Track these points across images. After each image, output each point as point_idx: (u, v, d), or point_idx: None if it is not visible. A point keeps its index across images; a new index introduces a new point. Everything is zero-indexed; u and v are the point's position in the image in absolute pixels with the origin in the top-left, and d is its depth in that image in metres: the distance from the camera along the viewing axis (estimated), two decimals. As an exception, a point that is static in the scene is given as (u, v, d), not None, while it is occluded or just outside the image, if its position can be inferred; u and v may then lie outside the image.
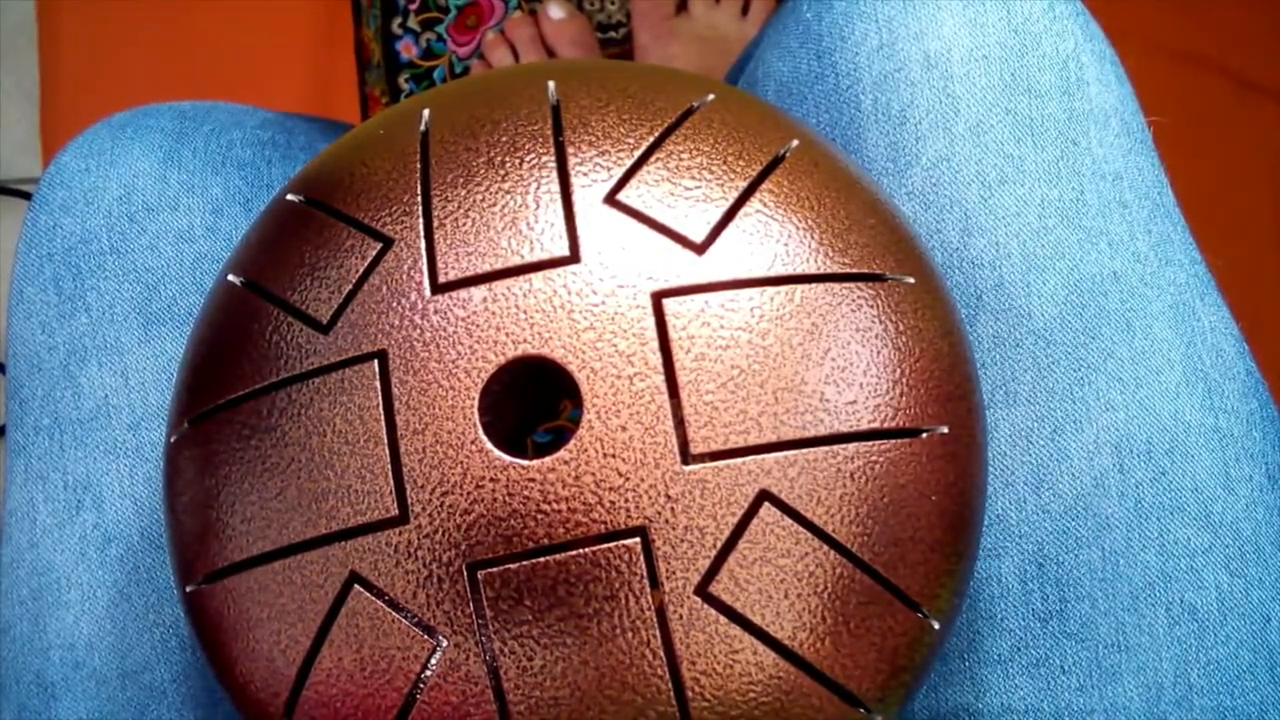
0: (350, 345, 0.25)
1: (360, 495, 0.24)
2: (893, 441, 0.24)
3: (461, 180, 0.26)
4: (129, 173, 0.36)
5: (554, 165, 0.25)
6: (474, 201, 0.25)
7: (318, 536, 0.24)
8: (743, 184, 0.25)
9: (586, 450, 0.23)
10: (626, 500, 0.23)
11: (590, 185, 0.25)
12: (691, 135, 0.26)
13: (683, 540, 0.23)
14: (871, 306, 0.25)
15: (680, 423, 0.23)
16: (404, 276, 0.25)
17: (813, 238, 0.25)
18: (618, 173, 0.25)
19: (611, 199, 0.25)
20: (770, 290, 0.24)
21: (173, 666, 0.33)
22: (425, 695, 0.23)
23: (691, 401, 0.23)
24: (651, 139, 0.26)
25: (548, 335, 0.24)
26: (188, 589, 0.26)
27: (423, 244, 0.25)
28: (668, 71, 0.29)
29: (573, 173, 0.25)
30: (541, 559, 0.23)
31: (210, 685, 0.33)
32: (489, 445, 0.24)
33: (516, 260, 0.25)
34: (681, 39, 0.69)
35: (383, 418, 0.24)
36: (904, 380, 0.24)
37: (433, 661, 0.23)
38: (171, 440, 0.27)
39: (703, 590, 0.23)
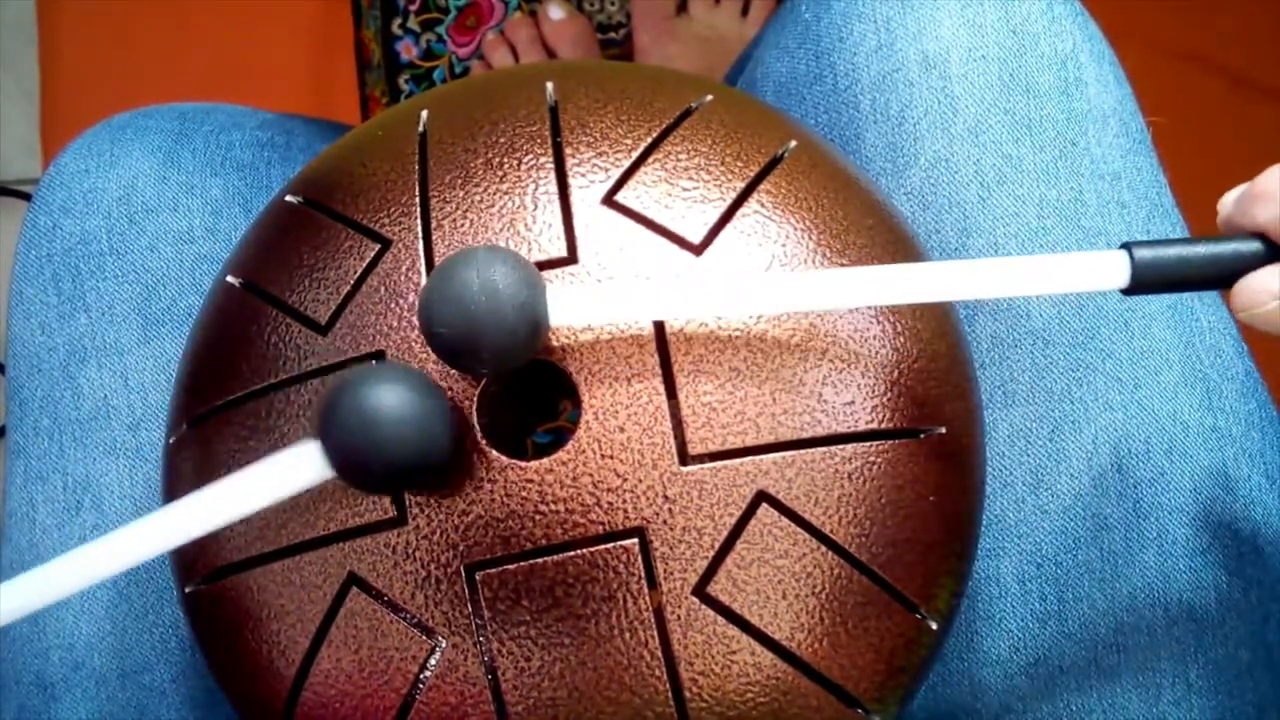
0: (349, 346, 0.25)
1: (358, 496, 0.24)
2: (891, 442, 0.24)
3: (460, 181, 0.26)
4: (129, 174, 0.36)
5: (552, 166, 0.25)
6: (472, 203, 0.25)
7: (316, 538, 0.24)
8: (740, 184, 0.25)
9: (584, 451, 0.23)
10: (624, 501, 0.23)
11: (588, 186, 0.25)
12: (689, 136, 0.26)
13: (680, 541, 0.23)
14: (869, 307, 0.25)
15: (678, 424, 0.23)
16: (402, 277, 0.25)
17: (810, 238, 0.25)
18: (615, 174, 0.25)
19: (609, 200, 0.25)
20: (768, 291, 0.24)
21: (172, 667, 0.33)
22: (424, 696, 0.23)
23: (689, 402, 0.24)
24: (649, 140, 0.26)
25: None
26: (187, 590, 0.26)
27: (421, 245, 0.25)
28: (666, 72, 0.29)
29: (570, 174, 0.25)
30: (539, 560, 0.23)
31: (210, 685, 0.33)
32: (487, 446, 0.24)
33: None
34: (681, 39, 0.69)
35: (381, 419, 0.24)
36: (902, 381, 0.24)
37: (431, 662, 0.23)
38: (171, 441, 0.27)
39: (700, 591, 0.23)
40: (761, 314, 0.24)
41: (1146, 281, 0.22)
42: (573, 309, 0.23)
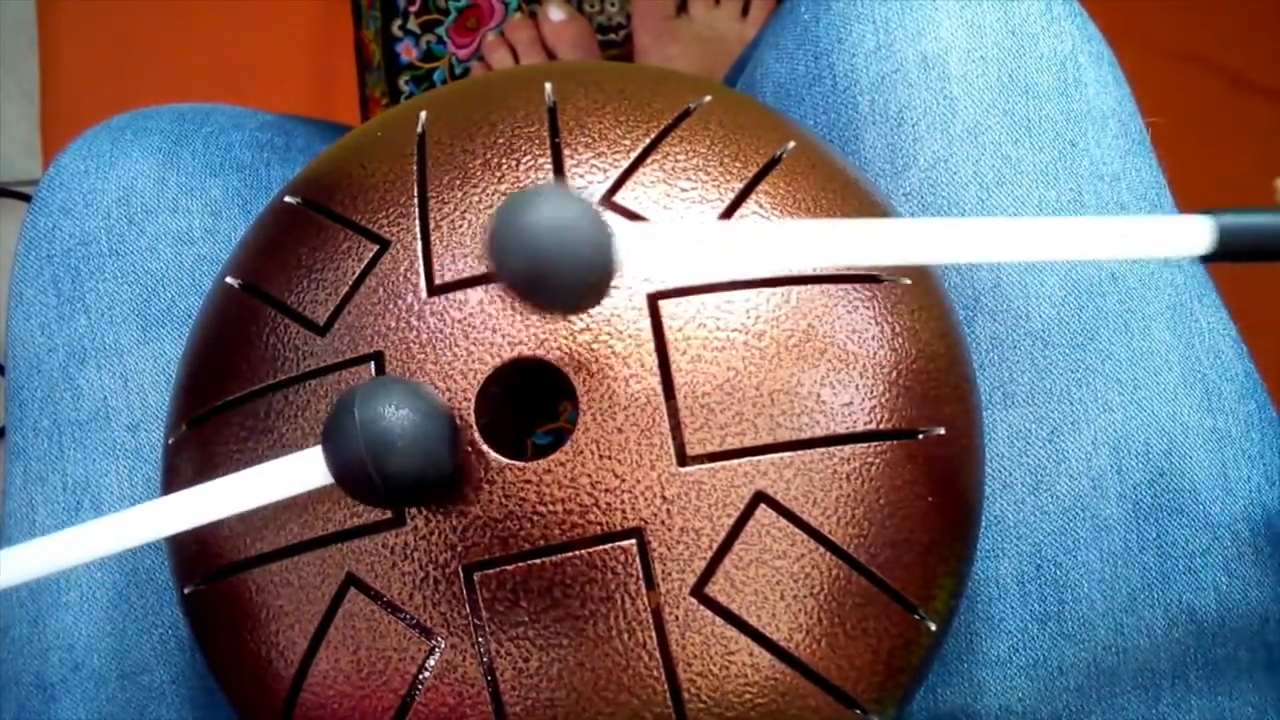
0: (347, 347, 0.25)
1: (357, 497, 0.24)
2: (889, 443, 0.24)
3: (458, 182, 0.26)
4: (128, 175, 0.36)
5: (550, 167, 0.25)
6: (470, 203, 0.25)
7: (315, 538, 0.24)
8: (739, 185, 0.25)
9: (583, 452, 0.23)
10: (623, 502, 0.23)
11: (586, 187, 0.25)
12: (688, 137, 0.26)
13: (679, 541, 0.23)
14: (868, 307, 0.25)
15: (676, 424, 0.23)
16: (400, 278, 0.25)
17: (809, 239, 0.25)
18: (614, 174, 0.25)
19: (608, 200, 0.25)
20: (766, 291, 0.24)
21: (172, 668, 0.33)
22: (422, 697, 0.23)
23: (688, 403, 0.24)
24: (648, 140, 0.26)
25: (544, 337, 0.24)
26: (186, 590, 0.26)
27: (419, 246, 0.25)
28: (665, 73, 0.29)
29: (569, 174, 0.25)
30: (538, 560, 0.23)
31: (209, 686, 0.33)
32: (485, 447, 0.24)
33: None
34: (681, 40, 0.69)
35: (379, 419, 0.24)
36: (900, 381, 0.24)
37: (430, 663, 0.23)
38: (170, 442, 0.27)
39: (699, 591, 0.23)
40: (760, 315, 0.24)
41: (1228, 249, 0.22)
42: (643, 253, 0.22)
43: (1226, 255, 0.23)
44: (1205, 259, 0.23)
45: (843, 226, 0.22)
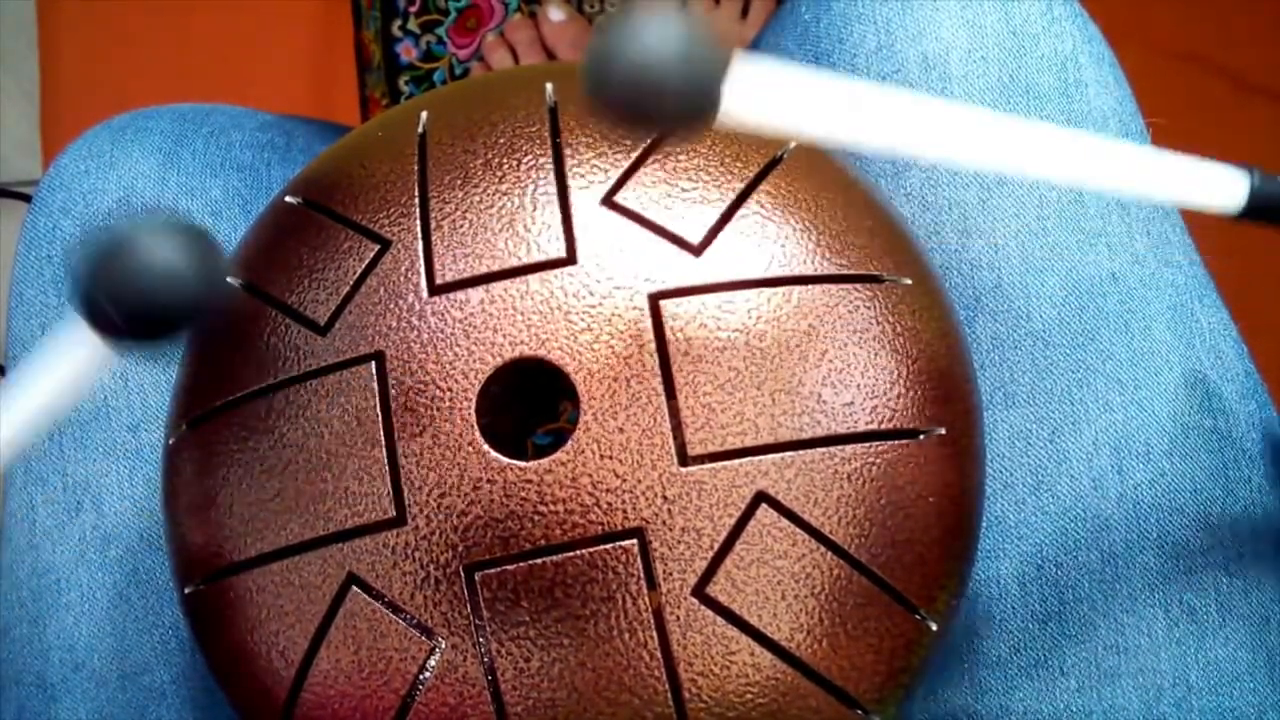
0: (348, 347, 0.25)
1: (358, 497, 0.24)
2: (890, 443, 0.24)
3: (459, 182, 0.26)
4: (128, 175, 0.36)
5: (551, 167, 0.25)
6: (471, 203, 0.25)
7: (316, 538, 0.24)
8: (740, 185, 0.25)
9: (584, 451, 0.23)
10: (624, 501, 0.23)
11: (587, 187, 0.25)
12: (689, 137, 0.26)
13: (680, 541, 0.23)
14: (869, 308, 0.25)
15: (678, 424, 0.23)
16: (401, 278, 0.25)
17: (810, 239, 0.25)
18: (615, 174, 0.25)
19: (609, 200, 0.25)
20: (768, 292, 0.24)
21: (172, 668, 0.33)
22: (423, 697, 0.23)
23: (689, 403, 0.24)
24: (649, 140, 0.26)
25: (545, 337, 0.24)
26: (186, 590, 0.26)
27: (420, 245, 0.25)
28: (666, 73, 0.29)
29: (570, 174, 0.25)
30: (539, 560, 0.23)
31: (210, 687, 0.33)
32: (486, 447, 0.24)
33: (514, 262, 0.25)
34: (681, 40, 0.69)
35: (380, 419, 0.24)
36: (901, 382, 0.24)
37: (430, 663, 0.23)
38: (170, 442, 0.27)
39: (700, 591, 0.23)
40: (761, 315, 0.24)
41: (1261, 207, 0.22)
42: (752, 87, 0.20)
43: (1257, 214, 0.22)
44: (1236, 217, 0.23)
45: (958, 109, 0.21)
